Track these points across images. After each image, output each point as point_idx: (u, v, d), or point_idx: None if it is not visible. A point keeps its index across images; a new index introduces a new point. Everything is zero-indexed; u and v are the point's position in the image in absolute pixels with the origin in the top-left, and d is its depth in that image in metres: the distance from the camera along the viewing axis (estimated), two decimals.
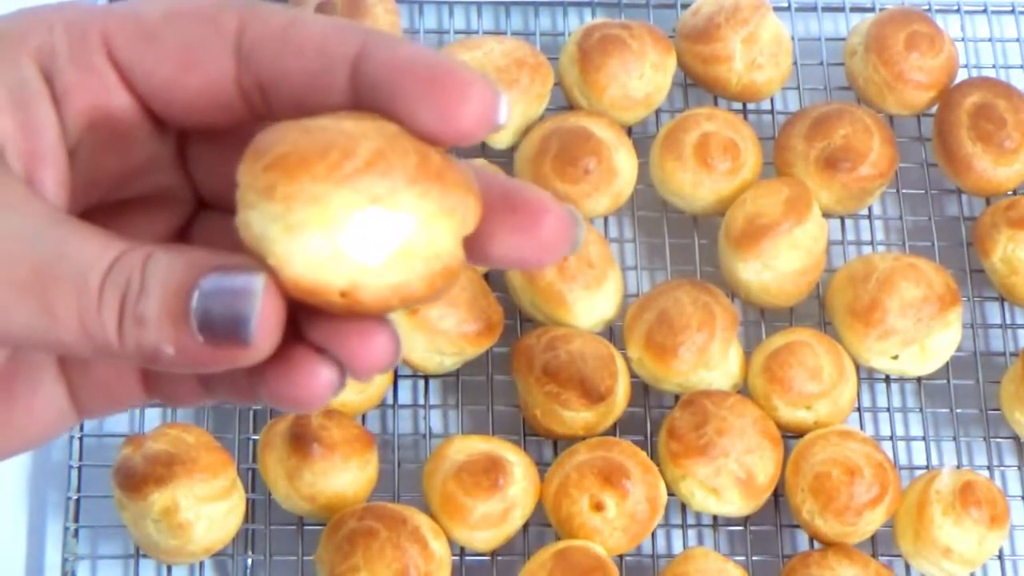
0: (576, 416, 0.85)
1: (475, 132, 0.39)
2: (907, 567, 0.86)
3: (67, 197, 0.41)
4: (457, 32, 1.01)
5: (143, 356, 0.38)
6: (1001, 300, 0.94)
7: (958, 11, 1.04)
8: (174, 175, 0.44)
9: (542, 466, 0.86)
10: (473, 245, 0.40)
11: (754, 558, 0.86)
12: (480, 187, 0.40)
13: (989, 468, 0.89)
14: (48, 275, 0.37)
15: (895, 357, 0.88)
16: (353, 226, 0.37)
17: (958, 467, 0.88)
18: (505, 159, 0.95)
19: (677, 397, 0.88)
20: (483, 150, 0.95)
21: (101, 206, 0.43)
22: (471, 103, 0.38)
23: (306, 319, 0.39)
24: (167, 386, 0.43)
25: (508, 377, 0.89)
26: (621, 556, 0.85)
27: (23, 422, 0.43)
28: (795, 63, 0.99)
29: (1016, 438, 0.91)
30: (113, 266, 0.37)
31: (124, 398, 0.44)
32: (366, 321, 0.38)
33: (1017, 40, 1.03)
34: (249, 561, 0.85)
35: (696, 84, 0.98)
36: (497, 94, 0.39)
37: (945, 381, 0.91)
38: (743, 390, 0.88)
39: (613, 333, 0.90)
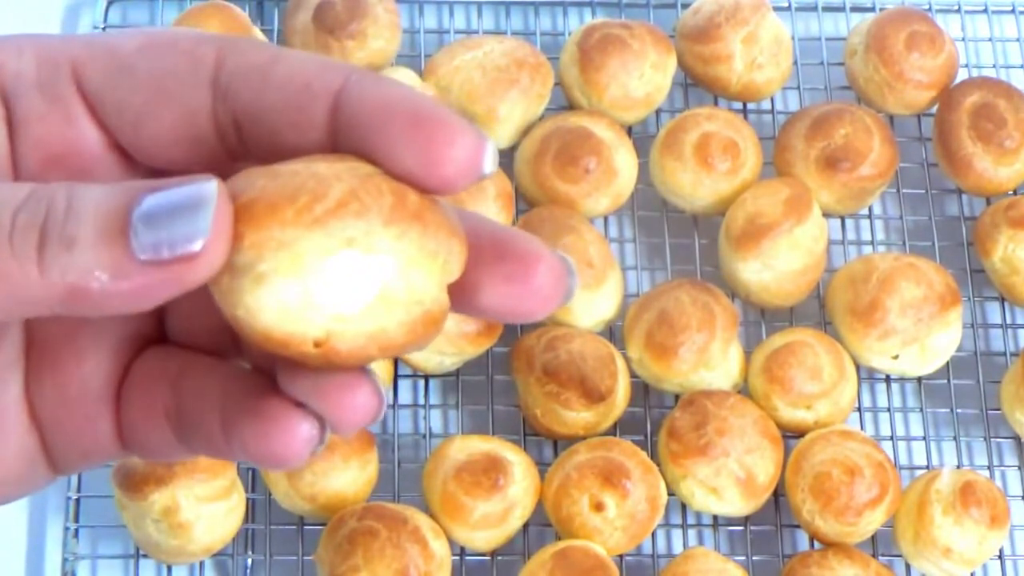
0: (576, 416, 0.85)
1: (458, 180, 0.36)
2: (907, 567, 0.86)
3: None
4: (457, 32, 1.01)
5: (69, 290, 0.34)
6: (1001, 300, 0.94)
7: (958, 11, 1.04)
8: None
9: (542, 466, 0.86)
10: (461, 294, 0.38)
11: (754, 558, 0.86)
12: (468, 233, 0.37)
13: (989, 468, 0.89)
14: None
15: (895, 357, 0.88)
16: (326, 272, 0.35)
17: (958, 467, 0.88)
18: (505, 159, 0.95)
19: (677, 397, 0.88)
20: None
21: None
22: (456, 148, 0.36)
23: (283, 372, 0.37)
24: (142, 438, 0.41)
25: (508, 377, 0.89)
26: (621, 556, 0.85)
27: None
28: (795, 63, 0.99)
29: (1016, 438, 0.91)
30: (30, 196, 0.34)
31: (99, 453, 0.41)
32: (346, 374, 0.36)
33: (1017, 40, 1.03)
34: (249, 561, 0.85)
35: (696, 84, 0.98)
36: (484, 141, 0.36)
37: (945, 381, 0.91)
38: (743, 390, 0.88)
39: (613, 333, 0.90)
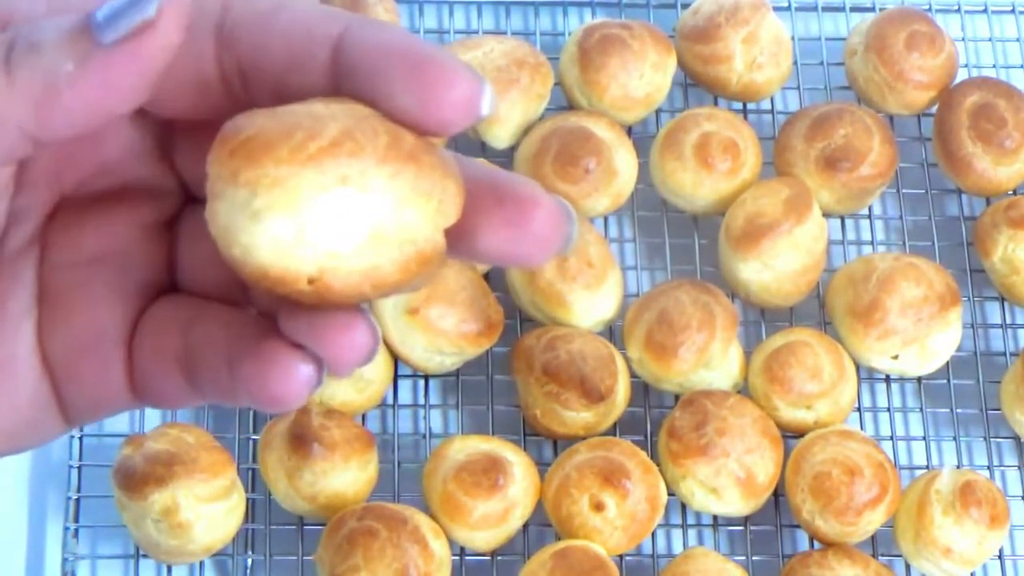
0: (576, 416, 0.85)
1: (456, 120, 0.37)
2: (907, 567, 0.86)
3: (11, 184, 0.39)
4: (457, 32, 1.01)
5: (40, 91, 0.35)
6: (1001, 300, 0.94)
7: (958, 11, 1.04)
8: (157, 167, 0.43)
9: (542, 466, 0.86)
10: (459, 239, 0.38)
11: (754, 558, 0.86)
12: (466, 178, 0.38)
13: (989, 468, 0.89)
14: None
15: (895, 357, 0.88)
16: (320, 209, 0.35)
17: (958, 467, 0.88)
18: (505, 159, 0.95)
19: (677, 397, 0.88)
20: (483, 150, 0.95)
21: (78, 195, 0.42)
22: (454, 90, 0.36)
23: (283, 314, 0.37)
24: (154, 385, 0.41)
25: (508, 377, 0.89)
26: (621, 556, 0.85)
27: (6, 420, 0.41)
28: (795, 63, 0.99)
29: (1016, 438, 0.91)
30: None
31: (111, 401, 0.42)
32: (341, 313, 0.37)
33: (1017, 40, 1.03)
34: (249, 561, 0.85)
35: (696, 84, 0.98)
36: (482, 83, 0.37)
37: (945, 381, 0.91)
38: (743, 390, 0.88)
39: (613, 333, 0.90)
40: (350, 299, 0.36)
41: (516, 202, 0.38)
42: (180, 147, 0.43)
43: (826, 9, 1.03)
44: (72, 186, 0.42)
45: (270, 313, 0.39)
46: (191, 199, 0.43)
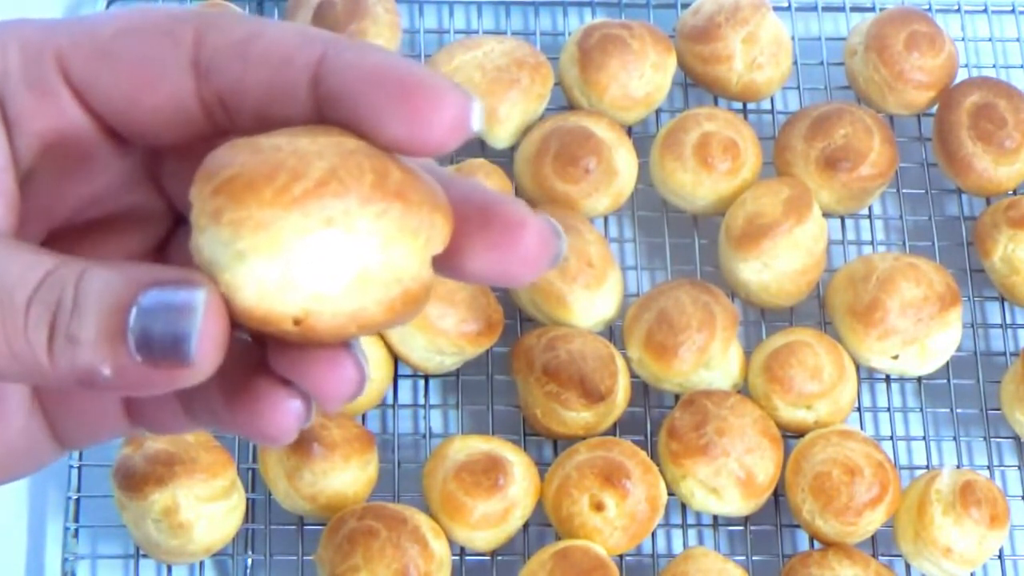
0: (576, 416, 0.85)
1: (448, 142, 0.36)
2: (907, 567, 0.86)
3: (15, 222, 0.39)
4: (457, 32, 1.01)
5: (77, 378, 0.36)
6: (1001, 300, 0.94)
7: (958, 11, 1.04)
8: (145, 193, 0.43)
9: (542, 466, 0.86)
10: (448, 261, 0.38)
11: (754, 558, 0.86)
12: (453, 200, 0.38)
13: (989, 468, 0.89)
14: None
15: (895, 357, 0.88)
16: (305, 252, 0.35)
17: (958, 467, 0.88)
18: (505, 159, 0.95)
19: (677, 397, 0.88)
20: (483, 150, 0.95)
21: (69, 228, 0.42)
22: (443, 112, 0.36)
23: (271, 348, 0.37)
24: (150, 414, 0.41)
25: (508, 377, 0.89)
26: (621, 556, 0.85)
27: None
28: (795, 63, 0.99)
29: (1016, 438, 0.91)
30: (43, 282, 0.36)
31: (107, 428, 0.42)
32: (328, 350, 0.37)
33: (1017, 40, 1.03)
34: (249, 561, 0.85)
35: (696, 84, 0.98)
36: (470, 100, 0.37)
37: (945, 381, 0.91)
38: (743, 390, 0.88)
39: (613, 333, 0.90)
40: (336, 339, 0.36)
41: (503, 224, 0.38)
42: (167, 171, 0.43)
43: (826, 9, 1.03)
44: (62, 220, 0.42)
45: (260, 341, 0.38)
46: (180, 219, 0.43)
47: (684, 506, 0.86)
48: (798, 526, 0.85)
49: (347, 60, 0.37)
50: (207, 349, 0.35)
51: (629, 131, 0.96)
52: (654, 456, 0.86)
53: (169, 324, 0.35)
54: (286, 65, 0.38)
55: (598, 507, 0.82)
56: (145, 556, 0.84)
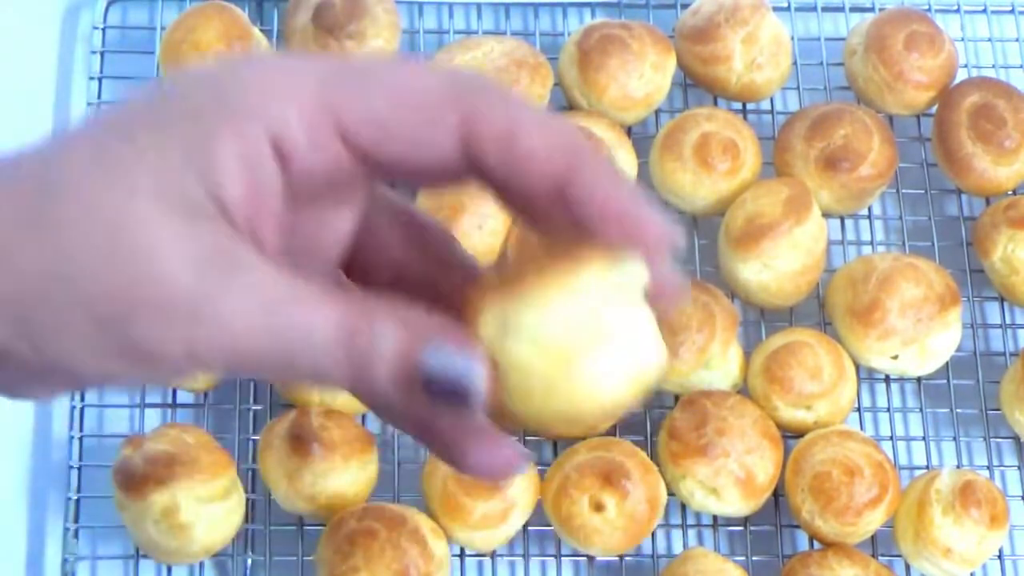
0: None
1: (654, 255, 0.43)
2: (907, 567, 0.86)
3: (279, 244, 0.44)
4: (457, 32, 1.01)
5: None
6: (1001, 300, 0.94)
7: (958, 11, 1.04)
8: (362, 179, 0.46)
9: (542, 466, 0.86)
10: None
11: (754, 558, 0.86)
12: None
13: (989, 468, 0.89)
14: (283, 345, 0.41)
15: (895, 357, 0.88)
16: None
17: (958, 467, 0.88)
18: None
19: (677, 397, 0.88)
20: None
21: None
22: (660, 256, 0.43)
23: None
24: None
25: None
26: (621, 556, 0.85)
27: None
28: (795, 63, 0.99)
29: (1016, 438, 0.91)
30: (341, 338, 0.41)
31: None
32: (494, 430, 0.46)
33: (1017, 40, 1.03)
34: (249, 561, 0.85)
35: (696, 84, 0.98)
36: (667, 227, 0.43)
37: (945, 381, 0.91)
38: (743, 390, 0.88)
39: None
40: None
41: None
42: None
43: (826, 9, 1.03)
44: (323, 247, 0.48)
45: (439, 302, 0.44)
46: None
47: (684, 506, 0.86)
48: (798, 526, 0.85)
49: (594, 181, 0.42)
50: (483, 402, 0.42)
51: (628, 131, 0.96)
52: (654, 456, 0.86)
53: (451, 383, 0.41)
54: (544, 167, 0.43)
55: (598, 507, 0.82)
56: (145, 557, 0.84)
